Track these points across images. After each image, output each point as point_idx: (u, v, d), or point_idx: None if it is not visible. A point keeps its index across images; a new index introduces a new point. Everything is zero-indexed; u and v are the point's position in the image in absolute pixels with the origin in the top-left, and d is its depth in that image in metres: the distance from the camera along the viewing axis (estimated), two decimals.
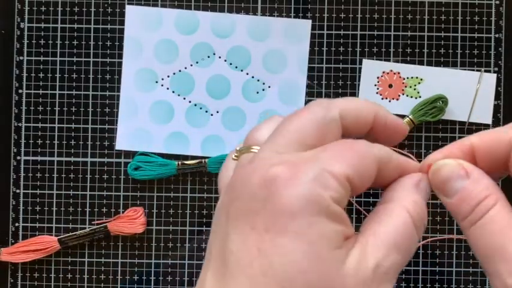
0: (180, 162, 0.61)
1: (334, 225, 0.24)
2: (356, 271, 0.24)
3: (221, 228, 0.26)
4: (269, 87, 0.62)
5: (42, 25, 0.62)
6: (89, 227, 0.61)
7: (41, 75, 0.62)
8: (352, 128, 0.28)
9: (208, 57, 0.62)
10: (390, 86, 0.61)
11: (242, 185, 0.25)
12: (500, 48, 0.61)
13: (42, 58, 0.62)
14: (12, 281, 0.61)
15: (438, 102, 0.60)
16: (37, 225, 0.62)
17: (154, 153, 0.61)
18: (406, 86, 0.61)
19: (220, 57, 0.62)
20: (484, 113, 0.61)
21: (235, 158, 0.29)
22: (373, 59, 0.61)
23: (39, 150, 0.62)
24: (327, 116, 0.27)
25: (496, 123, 0.60)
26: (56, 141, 0.62)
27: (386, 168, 0.27)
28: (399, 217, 0.26)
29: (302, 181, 0.24)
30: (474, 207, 0.26)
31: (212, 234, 0.27)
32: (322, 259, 0.23)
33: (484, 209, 0.26)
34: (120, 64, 0.62)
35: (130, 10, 0.62)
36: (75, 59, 0.62)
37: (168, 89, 0.62)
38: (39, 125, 0.62)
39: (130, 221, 0.60)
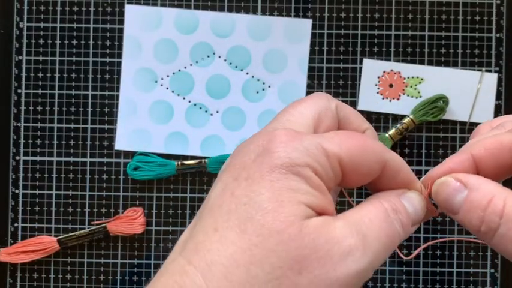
0: (179, 162, 0.60)
1: (310, 189, 0.25)
2: (317, 232, 0.24)
3: (213, 186, 0.27)
4: (269, 87, 0.61)
5: (42, 25, 0.62)
6: (88, 228, 0.61)
7: (40, 75, 0.62)
8: (345, 125, 0.30)
9: (208, 56, 0.61)
10: (391, 85, 0.61)
11: (244, 146, 0.27)
12: (501, 48, 0.61)
13: (41, 58, 0.62)
14: (11, 281, 0.61)
15: (439, 102, 0.60)
16: (36, 225, 0.62)
17: (154, 153, 0.61)
18: (406, 86, 0.61)
19: (220, 57, 0.61)
20: (485, 113, 0.60)
21: None
22: (374, 59, 0.61)
23: (38, 150, 0.62)
24: (326, 104, 0.29)
25: None
26: (55, 141, 0.62)
27: (394, 176, 0.28)
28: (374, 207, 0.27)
29: (296, 146, 0.25)
30: (482, 215, 0.26)
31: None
32: (283, 207, 0.24)
33: (495, 213, 0.25)
34: (119, 64, 0.62)
35: (129, 9, 0.61)
36: (74, 58, 0.62)
37: (167, 88, 0.62)
38: (38, 125, 0.62)
39: (130, 222, 0.60)
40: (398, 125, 0.60)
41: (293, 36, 0.61)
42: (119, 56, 0.62)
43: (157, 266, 0.61)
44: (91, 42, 0.62)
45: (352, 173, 0.26)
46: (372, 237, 0.25)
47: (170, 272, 0.25)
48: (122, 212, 0.61)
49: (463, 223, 0.27)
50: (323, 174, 0.25)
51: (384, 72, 0.61)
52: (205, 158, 0.61)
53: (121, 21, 0.62)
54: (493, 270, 0.61)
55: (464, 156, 0.28)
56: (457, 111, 0.61)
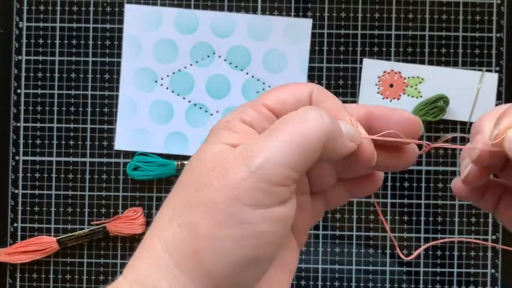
0: (179, 163, 0.60)
1: (234, 133, 0.29)
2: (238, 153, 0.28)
3: None
4: (269, 87, 0.61)
5: (41, 24, 0.62)
6: (88, 228, 0.61)
7: (40, 74, 0.62)
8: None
9: (208, 56, 0.61)
10: (391, 85, 0.61)
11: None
12: (501, 48, 0.61)
13: (40, 58, 0.62)
14: (11, 281, 0.61)
15: (439, 102, 0.60)
16: (36, 225, 0.61)
17: (154, 153, 0.61)
18: (407, 86, 0.61)
19: (220, 57, 0.61)
20: None
21: None
22: (374, 59, 0.61)
23: (38, 150, 0.62)
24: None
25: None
26: (54, 141, 0.62)
27: (321, 102, 0.31)
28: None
29: (230, 115, 0.31)
30: None
31: None
32: (208, 149, 0.29)
33: None
34: (119, 64, 0.62)
35: (129, 9, 0.61)
36: (74, 58, 0.62)
37: (167, 88, 0.61)
38: (38, 124, 0.62)
39: (130, 222, 0.60)
40: None
41: (293, 36, 0.61)
42: (119, 56, 0.62)
43: None
44: (91, 42, 0.62)
45: (279, 107, 0.30)
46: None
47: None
48: (122, 212, 0.61)
49: None
50: (251, 120, 0.30)
51: (384, 72, 0.61)
52: None
53: (121, 21, 0.61)
54: (493, 271, 0.61)
55: None
56: (457, 111, 0.60)
